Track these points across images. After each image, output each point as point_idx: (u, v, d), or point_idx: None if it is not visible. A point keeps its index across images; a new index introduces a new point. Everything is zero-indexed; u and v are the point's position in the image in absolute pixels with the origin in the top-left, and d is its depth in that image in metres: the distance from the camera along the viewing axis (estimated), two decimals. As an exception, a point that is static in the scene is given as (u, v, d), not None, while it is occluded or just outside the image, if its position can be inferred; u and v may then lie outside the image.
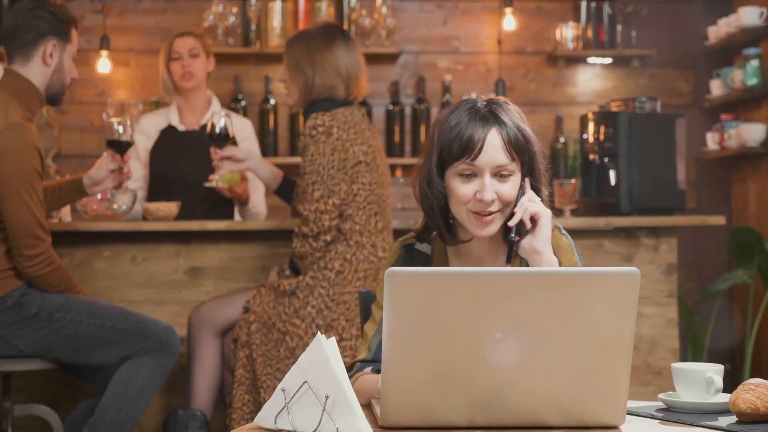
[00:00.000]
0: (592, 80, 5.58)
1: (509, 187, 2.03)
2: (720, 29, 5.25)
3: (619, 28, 5.47)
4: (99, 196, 3.76)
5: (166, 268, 3.86)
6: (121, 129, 3.48)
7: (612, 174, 4.09)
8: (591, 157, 4.20)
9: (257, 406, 3.45)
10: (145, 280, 3.85)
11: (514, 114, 2.06)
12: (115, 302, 3.68)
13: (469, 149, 2.00)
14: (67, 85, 3.40)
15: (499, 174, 2.02)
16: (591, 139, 4.20)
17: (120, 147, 3.49)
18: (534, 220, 2.04)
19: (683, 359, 4.70)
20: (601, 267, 1.67)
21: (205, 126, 4.13)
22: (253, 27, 5.32)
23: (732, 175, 5.53)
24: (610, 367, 1.64)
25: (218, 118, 3.61)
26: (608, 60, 5.54)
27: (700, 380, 1.83)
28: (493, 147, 2.01)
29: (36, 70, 3.31)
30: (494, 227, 2.04)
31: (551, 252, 2.04)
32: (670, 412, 1.82)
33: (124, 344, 3.30)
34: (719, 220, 4.10)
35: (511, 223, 2.03)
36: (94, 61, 5.24)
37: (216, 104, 4.32)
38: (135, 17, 5.44)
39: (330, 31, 3.55)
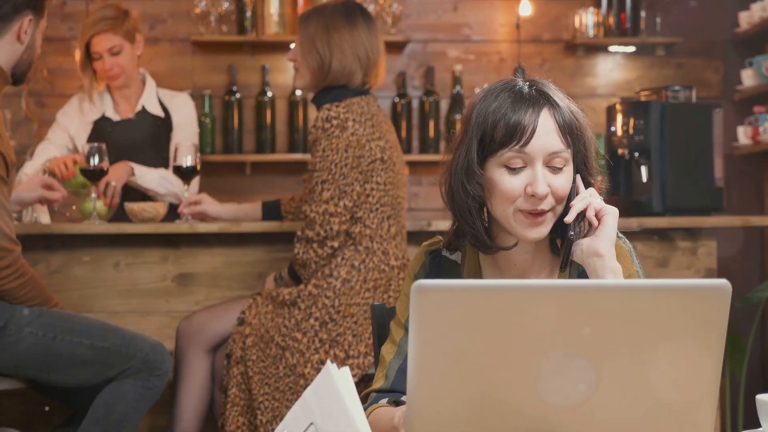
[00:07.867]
0: (614, 70, 5.51)
1: (563, 180, 1.75)
2: (753, 14, 5.18)
3: (642, 14, 5.40)
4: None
5: (152, 274, 3.74)
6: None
7: (643, 170, 3.93)
8: (620, 151, 4.04)
9: (253, 430, 3.33)
10: (128, 288, 3.73)
11: (563, 94, 1.80)
12: (95, 312, 3.59)
13: (518, 132, 1.72)
14: (34, 63, 3.26)
15: (552, 164, 1.74)
16: (619, 132, 4.05)
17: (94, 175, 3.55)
18: (597, 218, 1.75)
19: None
20: (683, 279, 1.42)
21: (142, 111, 4.15)
22: (249, 13, 5.26)
23: (766, 172, 5.43)
24: (691, 403, 1.42)
25: (184, 150, 3.60)
26: (631, 48, 5.46)
27: (794, 415, 1.64)
28: (547, 130, 1.73)
29: (6, 47, 3.14)
30: (546, 229, 1.76)
31: (614, 257, 1.75)
32: (760, 454, 1.63)
33: (106, 364, 3.14)
34: (764, 220, 3.96)
35: (568, 218, 1.74)
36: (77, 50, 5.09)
37: (151, 85, 4.22)
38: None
39: (351, 9, 3.40)
